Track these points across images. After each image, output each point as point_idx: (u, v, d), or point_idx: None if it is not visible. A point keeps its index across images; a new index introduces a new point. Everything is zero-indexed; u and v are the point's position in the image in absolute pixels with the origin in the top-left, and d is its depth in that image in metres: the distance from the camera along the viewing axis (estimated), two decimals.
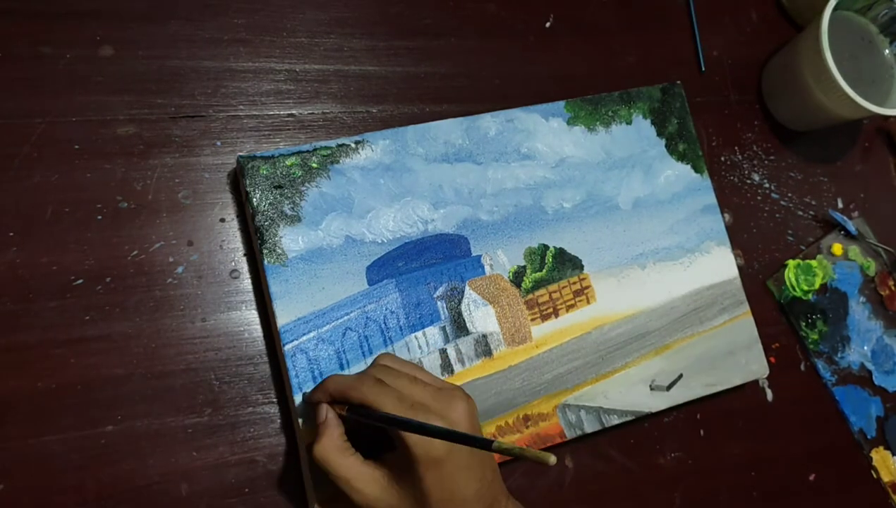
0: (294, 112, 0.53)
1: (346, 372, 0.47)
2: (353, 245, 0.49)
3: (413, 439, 0.40)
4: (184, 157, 0.50)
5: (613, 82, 0.60)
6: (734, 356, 0.57)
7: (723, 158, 0.64)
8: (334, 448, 0.42)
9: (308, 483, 0.46)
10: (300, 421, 0.46)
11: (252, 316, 0.49)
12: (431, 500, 0.40)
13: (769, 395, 0.61)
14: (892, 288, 0.67)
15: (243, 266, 0.50)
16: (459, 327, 0.50)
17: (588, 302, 0.54)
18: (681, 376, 0.55)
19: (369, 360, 0.48)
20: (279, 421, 0.48)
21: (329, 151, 0.50)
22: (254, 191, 0.47)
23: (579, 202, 0.55)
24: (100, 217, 0.47)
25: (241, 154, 0.48)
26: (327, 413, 0.43)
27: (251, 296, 0.49)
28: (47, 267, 0.46)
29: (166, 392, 0.46)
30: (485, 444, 0.36)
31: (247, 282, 0.49)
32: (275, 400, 0.48)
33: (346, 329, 0.48)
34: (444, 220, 0.51)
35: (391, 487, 0.41)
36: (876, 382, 0.64)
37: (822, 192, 0.67)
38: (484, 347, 0.51)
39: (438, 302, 0.50)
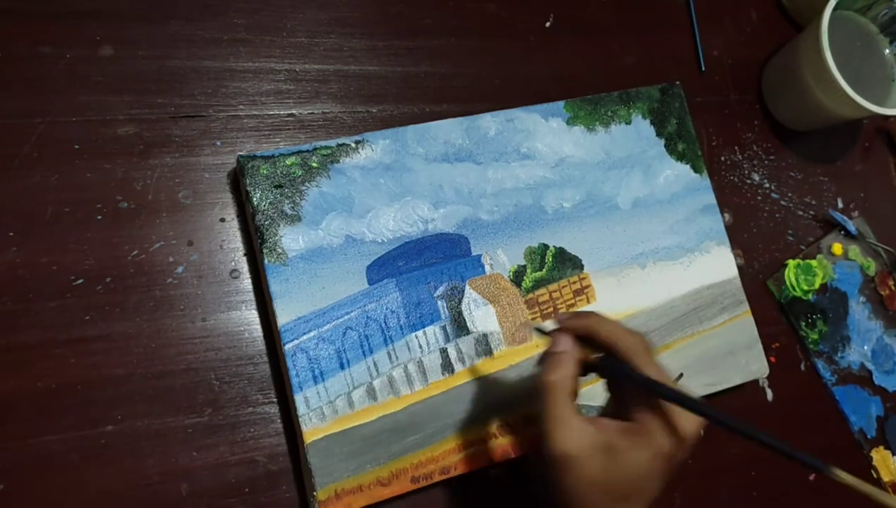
0: (294, 112, 0.53)
1: (346, 372, 0.47)
2: (353, 244, 0.49)
3: (683, 414, 0.37)
4: (184, 157, 0.50)
5: (613, 82, 0.60)
6: (734, 356, 0.57)
7: (723, 158, 0.64)
8: (566, 387, 0.39)
9: (308, 482, 0.46)
10: (301, 420, 0.46)
11: (252, 315, 0.49)
12: (654, 478, 0.38)
13: (769, 395, 0.61)
14: (892, 287, 0.67)
15: (243, 265, 0.50)
16: (460, 326, 0.50)
17: (588, 302, 0.54)
18: (681, 375, 0.55)
19: (370, 360, 0.48)
20: (279, 420, 0.48)
21: (329, 151, 0.50)
22: (254, 190, 0.47)
23: (579, 202, 0.55)
24: (100, 217, 0.47)
25: (241, 154, 0.48)
26: (571, 347, 0.40)
27: (251, 296, 0.49)
28: (47, 267, 0.46)
29: (166, 392, 0.46)
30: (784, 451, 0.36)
31: (247, 282, 0.49)
32: (275, 399, 0.48)
33: (347, 328, 0.48)
34: (445, 220, 0.51)
35: (595, 451, 0.37)
36: (876, 382, 0.64)
37: (822, 192, 0.67)
38: (484, 346, 0.51)
39: (439, 302, 0.50)
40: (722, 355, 0.56)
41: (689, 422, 0.38)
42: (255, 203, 0.47)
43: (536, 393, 0.39)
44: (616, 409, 0.41)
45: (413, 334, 0.49)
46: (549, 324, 0.42)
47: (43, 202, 0.47)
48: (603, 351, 0.40)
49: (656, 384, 0.38)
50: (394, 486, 0.47)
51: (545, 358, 0.40)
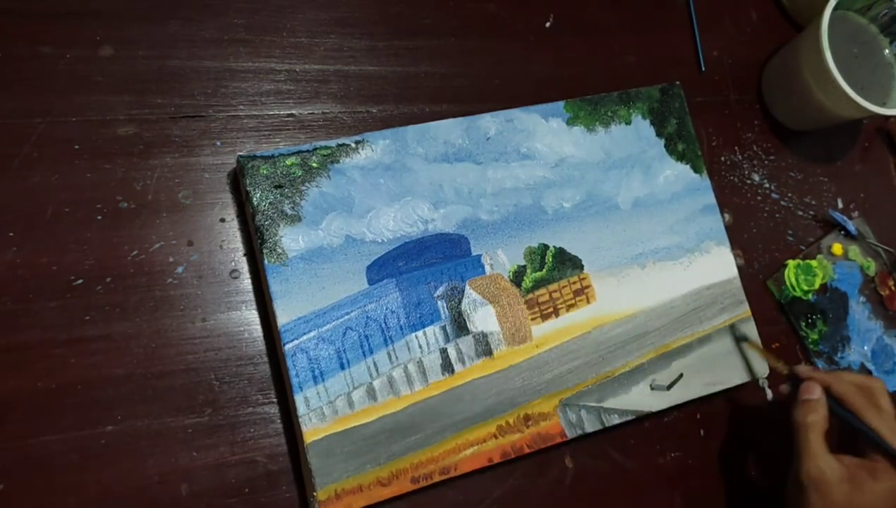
0: (294, 112, 0.53)
1: (346, 372, 0.47)
2: (353, 244, 0.49)
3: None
4: (184, 157, 0.50)
5: (613, 82, 0.60)
6: (734, 356, 0.57)
7: (723, 158, 0.64)
8: (820, 425, 0.49)
9: (308, 482, 0.46)
10: (301, 420, 0.46)
11: (252, 315, 0.49)
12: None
13: (769, 395, 0.61)
14: (892, 287, 0.67)
15: (243, 266, 0.50)
16: (460, 326, 0.50)
17: (588, 302, 0.54)
18: (681, 375, 0.55)
19: (370, 360, 0.48)
20: (279, 421, 0.48)
21: (329, 151, 0.50)
22: (254, 190, 0.47)
23: (579, 202, 0.55)
24: (100, 217, 0.47)
25: (241, 154, 0.48)
26: (821, 394, 0.51)
27: (251, 296, 0.49)
28: (47, 267, 0.46)
29: (166, 392, 0.46)
30: None
31: (247, 282, 0.49)
32: (275, 400, 0.48)
33: (347, 328, 0.48)
34: (444, 220, 0.52)
35: (843, 482, 0.48)
36: None
37: (822, 192, 0.67)
38: (484, 346, 0.51)
39: (439, 302, 0.50)
40: (722, 355, 0.56)
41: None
42: (255, 203, 0.47)
43: (796, 432, 0.50)
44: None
45: (413, 334, 0.49)
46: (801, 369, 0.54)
47: (43, 202, 0.47)
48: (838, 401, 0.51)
49: (873, 437, 0.49)
50: (394, 486, 0.47)
51: (801, 403, 0.51)
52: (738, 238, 0.63)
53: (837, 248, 0.65)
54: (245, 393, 0.48)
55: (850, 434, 0.52)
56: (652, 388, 0.54)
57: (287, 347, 0.46)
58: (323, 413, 0.46)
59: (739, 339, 0.57)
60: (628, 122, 0.58)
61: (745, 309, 0.58)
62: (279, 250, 0.47)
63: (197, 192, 0.50)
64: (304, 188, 0.49)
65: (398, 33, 0.57)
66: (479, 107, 0.55)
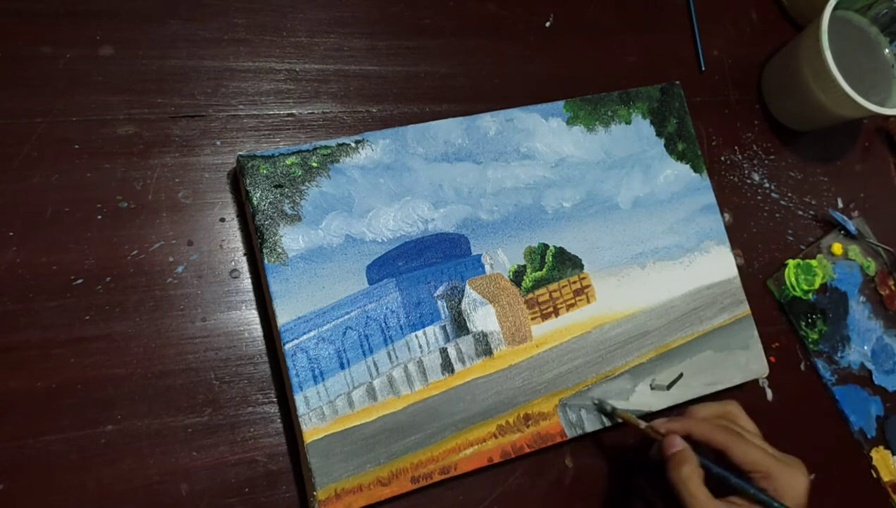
0: (294, 111, 0.53)
1: (346, 372, 0.47)
2: (353, 244, 0.49)
3: (786, 489, 0.46)
4: (184, 157, 0.50)
5: (613, 82, 0.61)
6: (734, 355, 0.57)
7: (723, 158, 0.64)
8: (695, 477, 0.46)
9: (308, 482, 0.46)
10: (301, 420, 0.46)
11: (252, 315, 0.49)
12: None
13: (769, 395, 0.61)
14: (892, 287, 0.67)
15: (243, 265, 0.50)
16: (460, 326, 0.50)
17: (588, 302, 0.54)
18: (681, 375, 0.55)
19: (370, 360, 0.48)
20: (279, 420, 0.48)
21: (329, 151, 0.50)
22: (254, 190, 0.47)
23: (579, 201, 0.55)
24: (100, 217, 0.47)
25: (241, 153, 0.48)
26: (683, 443, 0.48)
27: (251, 296, 0.49)
28: (47, 267, 0.46)
29: (166, 391, 0.46)
30: None
31: (247, 282, 0.49)
32: (275, 399, 0.48)
33: (347, 328, 0.48)
34: (444, 220, 0.52)
35: None
36: (876, 382, 0.64)
37: (822, 192, 0.67)
38: (484, 346, 0.51)
39: (439, 302, 0.50)
40: (722, 355, 0.56)
41: (790, 497, 0.47)
42: (255, 203, 0.47)
43: (676, 490, 0.47)
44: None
45: (413, 334, 0.49)
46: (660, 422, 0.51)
47: (43, 202, 0.47)
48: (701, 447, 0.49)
49: (742, 486, 0.47)
50: (394, 486, 0.47)
51: (669, 459, 0.48)
52: (738, 237, 0.63)
53: (837, 248, 0.65)
54: (245, 392, 0.48)
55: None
56: (652, 388, 0.54)
57: (287, 347, 0.46)
58: (323, 412, 0.46)
59: (603, 412, 0.52)
60: (628, 122, 0.58)
61: (744, 309, 0.58)
62: (279, 250, 0.47)
63: (197, 192, 0.50)
64: (304, 188, 0.49)
65: (398, 33, 0.57)
66: (479, 106, 0.55)
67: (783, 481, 0.47)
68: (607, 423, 0.52)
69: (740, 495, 0.47)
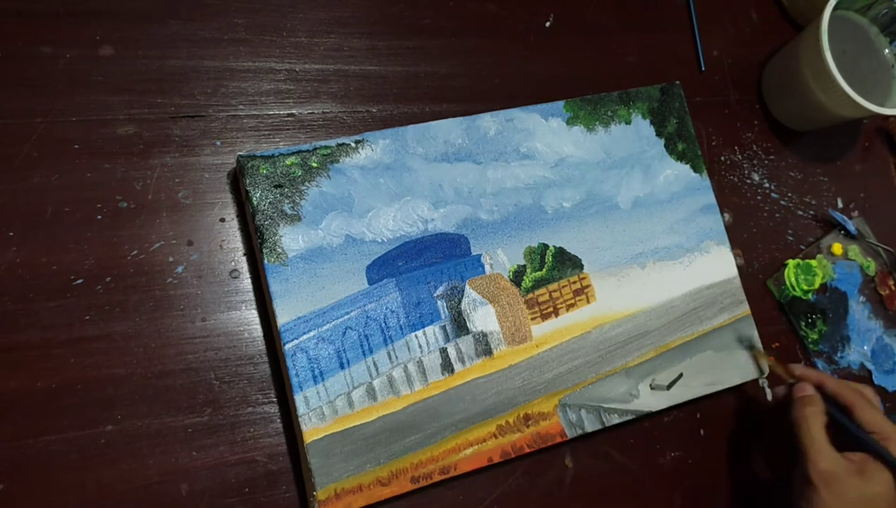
0: (294, 111, 0.53)
1: (346, 372, 0.47)
2: (353, 244, 0.49)
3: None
4: (184, 157, 0.50)
5: (613, 82, 0.61)
6: (734, 355, 0.57)
7: (723, 158, 0.64)
8: (818, 419, 0.49)
9: (308, 481, 0.46)
10: (301, 420, 0.46)
11: (252, 315, 0.49)
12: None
13: (769, 395, 0.61)
14: (892, 287, 0.67)
15: (243, 265, 0.50)
16: (460, 326, 0.50)
17: (588, 302, 0.54)
18: (681, 375, 0.55)
19: (370, 360, 0.48)
20: (279, 420, 0.48)
21: (329, 151, 0.50)
22: (254, 190, 0.47)
23: (579, 201, 0.55)
24: (100, 217, 0.47)
25: (241, 153, 0.48)
26: (814, 390, 0.51)
27: (251, 296, 0.49)
28: (47, 267, 0.46)
29: (166, 391, 0.46)
30: None
31: (247, 282, 0.49)
32: (275, 399, 0.48)
33: (347, 328, 0.48)
34: (444, 220, 0.52)
35: (851, 475, 0.47)
36: (875, 382, 0.64)
37: (821, 192, 0.67)
38: (484, 346, 0.51)
39: (438, 302, 0.50)
40: (722, 355, 0.56)
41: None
42: (255, 203, 0.47)
43: (796, 428, 0.50)
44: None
45: (413, 334, 0.50)
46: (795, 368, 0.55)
47: (43, 202, 0.47)
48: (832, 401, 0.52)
49: (864, 437, 0.49)
50: (394, 486, 0.47)
51: (797, 400, 0.51)
52: (737, 237, 0.63)
53: (837, 248, 0.65)
54: (245, 392, 0.48)
55: (847, 437, 0.52)
56: (652, 388, 0.54)
57: (287, 347, 0.46)
58: (323, 412, 0.46)
59: (748, 347, 0.57)
60: (628, 122, 0.58)
61: (744, 309, 0.58)
62: (279, 250, 0.47)
63: (197, 192, 0.50)
64: (303, 188, 0.49)
65: (398, 33, 0.57)
66: (478, 106, 0.55)
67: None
68: (607, 423, 0.52)
69: (859, 450, 0.49)
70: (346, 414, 0.47)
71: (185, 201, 0.49)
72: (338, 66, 0.55)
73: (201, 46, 0.52)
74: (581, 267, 0.54)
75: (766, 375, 0.58)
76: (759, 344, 0.57)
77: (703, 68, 0.65)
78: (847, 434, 0.50)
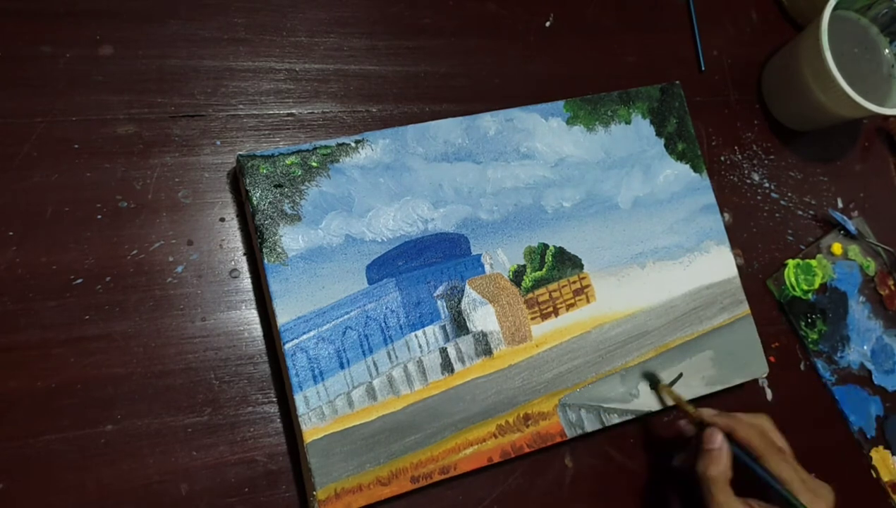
0: (294, 111, 0.53)
1: (346, 371, 0.47)
2: (353, 244, 0.49)
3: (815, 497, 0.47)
4: (183, 157, 0.50)
5: (613, 82, 0.61)
6: (734, 355, 0.57)
7: (723, 158, 0.64)
8: (724, 476, 0.48)
9: (308, 481, 0.46)
10: (301, 420, 0.46)
11: (252, 315, 0.49)
12: None
13: (769, 395, 0.61)
14: (892, 287, 0.67)
15: (243, 265, 0.50)
16: (459, 326, 0.50)
17: (588, 301, 0.54)
18: (681, 375, 0.55)
19: (369, 360, 0.48)
20: (279, 420, 0.48)
21: (329, 150, 0.50)
22: (254, 190, 0.47)
23: (579, 201, 0.55)
24: (100, 216, 0.47)
25: (240, 153, 0.48)
26: (724, 443, 0.49)
27: (251, 296, 0.49)
28: (47, 267, 0.46)
29: (166, 391, 0.46)
30: None
31: (247, 282, 0.49)
32: (275, 399, 0.48)
33: (347, 327, 0.48)
34: (444, 219, 0.52)
35: None
36: (875, 382, 0.64)
37: (821, 192, 0.67)
38: (484, 346, 0.51)
39: (438, 301, 0.50)
40: (722, 355, 0.56)
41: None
42: (255, 202, 0.47)
43: (700, 484, 0.49)
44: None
45: (413, 334, 0.50)
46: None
47: (43, 201, 0.47)
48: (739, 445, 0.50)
49: (773, 485, 0.48)
50: (393, 486, 0.47)
51: (703, 454, 0.49)
52: (737, 237, 0.63)
53: (837, 248, 0.66)
54: (245, 392, 0.48)
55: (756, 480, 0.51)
56: (652, 388, 0.54)
57: (287, 346, 0.46)
58: (323, 412, 0.46)
59: (653, 384, 0.54)
60: (628, 122, 0.58)
61: (744, 309, 0.58)
62: (279, 249, 0.47)
63: (197, 192, 0.50)
64: (303, 187, 0.49)
65: (398, 33, 0.57)
66: (478, 106, 0.55)
67: (806, 500, 0.48)
68: (607, 423, 0.52)
69: (765, 497, 0.48)
70: (346, 414, 0.47)
71: (185, 201, 0.49)
72: (338, 65, 0.55)
73: (201, 46, 0.52)
74: (581, 266, 0.54)
75: (765, 375, 0.57)
76: (664, 379, 0.54)
77: (703, 68, 0.65)
78: (756, 479, 0.49)
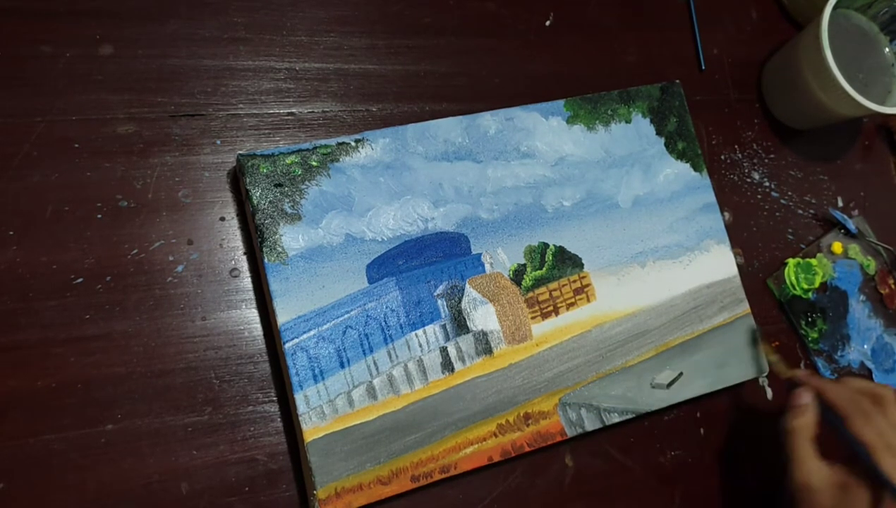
0: (294, 110, 0.53)
1: (346, 371, 0.47)
2: (353, 243, 0.49)
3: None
4: (184, 156, 0.50)
5: (613, 81, 0.61)
6: (734, 354, 0.57)
7: (723, 157, 0.64)
8: (807, 431, 0.49)
9: (308, 480, 0.46)
10: (301, 419, 0.46)
11: (252, 314, 0.49)
12: None
13: (769, 394, 0.61)
14: (892, 286, 0.67)
15: (243, 264, 0.50)
16: (460, 325, 0.50)
17: (588, 301, 0.54)
18: (681, 374, 0.55)
19: (370, 359, 0.48)
20: (279, 419, 0.48)
21: (329, 150, 0.50)
22: (254, 189, 0.47)
23: (579, 200, 0.55)
24: (100, 216, 0.47)
25: (241, 152, 0.48)
26: (810, 399, 0.51)
27: (251, 295, 0.49)
28: (47, 266, 0.46)
29: (166, 390, 0.46)
30: None
31: (247, 281, 0.49)
32: (275, 398, 0.48)
33: (347, 327, 0.48)
34: (444, 219, 0.52)
35: (831, 488, 0.48)
36: (876, 381, 0.64)
37: (822, 191, 0.67)
38: (484, 345, 0.51)
39: (439, 301, 0.50)
40: (722, 354, 0.56)
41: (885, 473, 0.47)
42: (255, 202, 0.47)
43: (784, 438, 0.50)
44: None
45: (413, 333, 0.49)
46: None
47: (43, 201, 0.47)
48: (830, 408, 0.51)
49: (860, 451, 0.48)
50: (394, 485, 0.47)
51: (789, 409, 0.51)
52: (737, 236, 0.63)
53: (837, 247, 0.65)
54: (245, 391, 0.48)
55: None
56: (652, 387, 0.54)
57: (287, 346, 0.46)
58: (323, 411, 0.46)
59: (756, 340, 0.57)
60: (628, 121, 0.58)
61: (744, 308, 0.58)
62: (279, 249, 0.47)
63: (197, 191, 0.50)
64: (303, 187, 0.49)
65: (398, 32, 0.57)
66: (478, 105, 0.55)
67: (885, 465, 0.47)
68: (607, 422, 0.52)
69: (849, 463, 0.49)
70: (347, 413, 0.47)
71: (185, 200, 0.49)
72: (338, 64, 0.55)
73: (201, 45, 0.52)
74: (581, 265, 0.54)
75: (765, 374, 0.58)
76: (762, 339, 0.57)
77: (704, 67, 0.65)
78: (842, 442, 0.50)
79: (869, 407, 0.50)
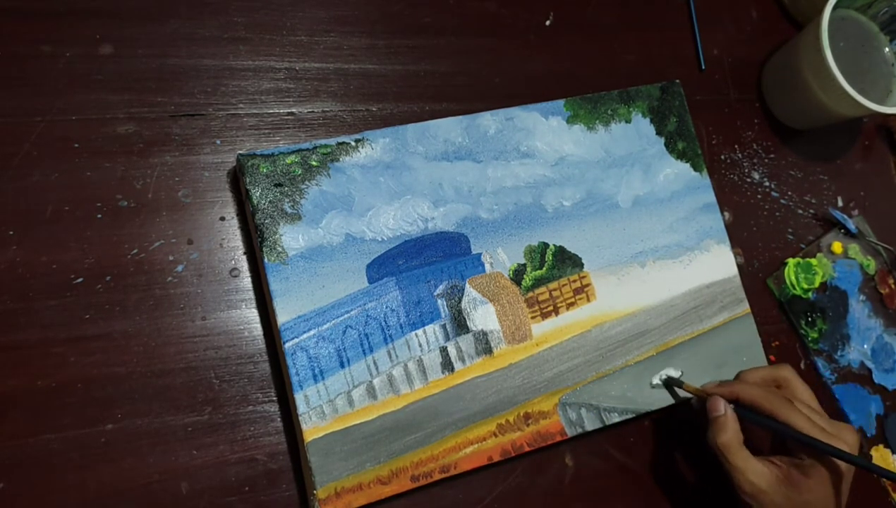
0: (294, 110, 0.53)
1: (346, 370, 0.47)
2: (353, 243, 0.49)
3: (824, 458, 0.47)
4: (184, 156, 0.50)
5: (613, 81, 0.60)
6: (734, 354, 0.57)
7: (723, 157, 0.64)
8: (736, 441, 0.48)
9: (308, 480, 0.46)
10: (301, 419, 0.46)
11: (252, 314, 0.49)
12: (830, 500, 0.48)
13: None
14: (892, 286, 0.67)
15: (243, 264, 0.50)
16: (460, 325, 0.50)
17: (588, 300, 0.54)
18: (681, 374, 0.55)
19: (370, 359, 0.48)
20: (279, 419, 0.48)
21: (329, 149, 0.50)
22: (254, 189, 0.47)
23: (579, 200, 0.55)
24: (100, 215, 0.47)
25: (241, 152, 0.48)
26: (727, 408, 0.49)
27: (251, 295, 0.49)
28: (47, 266, 0.46)
29: (166, 390, 0.46)
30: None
31: (247, 281, 0.49)
32: (275, 398, 0.48)
33: (347, 327, 0.48)
34: (444, 218, 0.52)
35: (779, 485, 0.47)
36: (876, 380, 0.64)
37: (822, 191, 0.67)
38: (484, 345, 0.51)
39: (439, 300, 0.51)
40: (722, 354, 0.56)
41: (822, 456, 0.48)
42: (255, 201, 0.47)
43: (716, 453, 0.49)
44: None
45: (413, 332, 0.50)
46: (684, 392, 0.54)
47: (43, 201, 0.47)
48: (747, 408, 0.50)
49: (803, 438, 0.47)
50: (394, 485, 0.47)
51: (711, 423, 0.50)
52: (737, 236, 0.63)
53: (837, 247, 0.65)
54: (245, 391, 0.48)
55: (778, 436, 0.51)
56: (652, 387, 0.54)
57: (287, 346, 0.46)
58: (323, 411, 0.46)
59: (669, 385, 0.55)
60: (628, 121, 0.58)
61: (744, 308, 0.58)
62: (279, 248, 0.47)
63: (197, 191, 0.50)
64: (303, 186, 0.49)
65: (398, 32, 0.57)
66: (478, 105, 0.55)
67: (827, 440, 0.47)
68: (607, 422, 0.52)
69: (788, 451, 0.49)
70: (347, 413, 0.47)
71: (185, 200, 0.49)
72: (338, 64, 0.55)
73: (201, 45, 0.52)
74: (581, 265, 0.54)
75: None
76: (675, 374, 0.55)
77: (704, 67, 0.65)
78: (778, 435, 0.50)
79: (781, 393, 0.51)
